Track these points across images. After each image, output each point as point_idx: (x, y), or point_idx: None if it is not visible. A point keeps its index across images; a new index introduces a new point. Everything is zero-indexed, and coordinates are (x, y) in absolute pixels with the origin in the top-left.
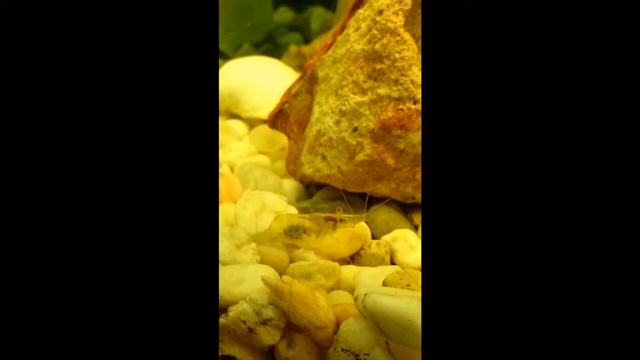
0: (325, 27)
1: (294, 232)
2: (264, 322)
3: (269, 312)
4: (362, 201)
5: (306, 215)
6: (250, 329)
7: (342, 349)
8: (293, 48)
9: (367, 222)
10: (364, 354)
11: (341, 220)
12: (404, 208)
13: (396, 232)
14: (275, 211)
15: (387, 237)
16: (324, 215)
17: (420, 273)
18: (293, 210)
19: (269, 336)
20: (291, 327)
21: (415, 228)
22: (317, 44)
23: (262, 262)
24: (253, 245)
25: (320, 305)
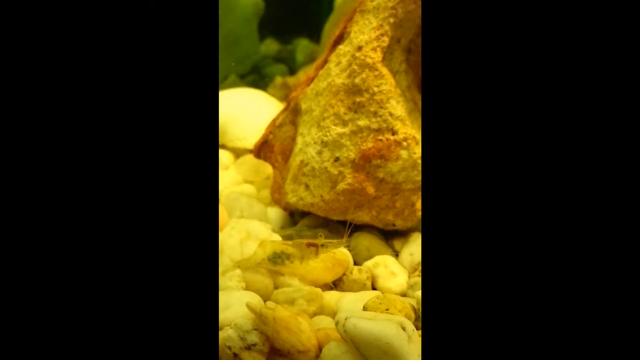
0: (310, 59)
1: (277, 259)
2: (249, 347)
3: (253, 338)
4: (344, 228)
5: (289, 242)
6: (235, 355)
7: None
8: (279, 79)
9: (349, 249)
10: None
11: (322, 245)
12: (385, 235)
13: (377, 259)
14: (260, 239)
15: (368, 263)
16: (305, 241)
17: (400, 298)
18: (277, 237)
19: None
20: (275, 352)
21: (396, 254)
22: (302, 75)
23: (247, 288)
24: (238, 272)
25: (303, 330)
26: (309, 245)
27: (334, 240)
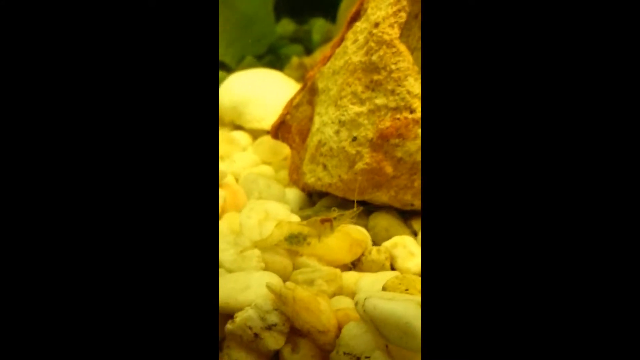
0: (327, 39)
1: (294, 239)
2: (269, 328)
3: (273, 318)
4: (363, 208)
5: (304, 222)
6: (255, 335)
7: (344, 353)
8: (295, 59)
9: (367, 229)
10: (365, 357)
11: (335, 218)
12: (403, 215)
13: (396, 239)
14: (278, 220)
15: (387, 244)
16: (319, 218)
17: (419, 278)
18: (296, 218)
19: (274, 341)
20: (295, 332)
21: (415, 234)
22: (319, 55)
23: (266, 269)
24: (257, 252)
25: (323, 310)
26: (323, 221)
27: (347, 212)
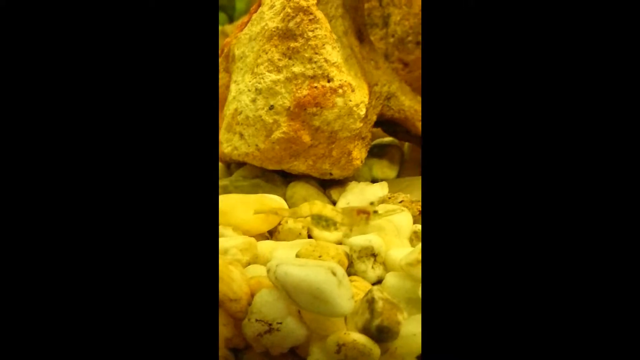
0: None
1: (322, 222)
2: None
3: None
4: (281, 178)
5: (339, 209)
6: None
7: (256, 320)
8: None
9: (285, 199)
10: (277, 323)
11: (375, 212)
12: (322, 184)
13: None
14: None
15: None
16: (356, 208)
17: (333, 245)
18: None
19: None
20: None
21: (333, 204)
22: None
23: None
24: None
25: (234, 278)
26: (359, 212)
27: (388, 206)
